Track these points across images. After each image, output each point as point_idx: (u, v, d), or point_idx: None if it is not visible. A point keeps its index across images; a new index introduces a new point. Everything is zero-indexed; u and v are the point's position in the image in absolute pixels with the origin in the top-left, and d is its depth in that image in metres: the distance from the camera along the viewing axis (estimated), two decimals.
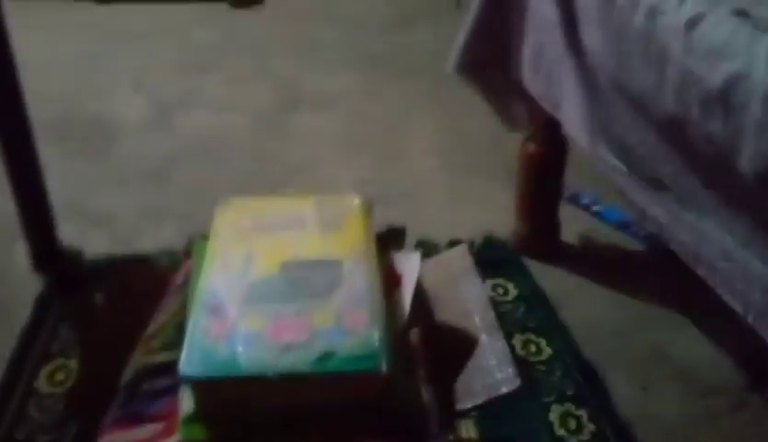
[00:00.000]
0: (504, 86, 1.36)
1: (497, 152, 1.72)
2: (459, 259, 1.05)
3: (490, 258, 1.40)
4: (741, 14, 0.74)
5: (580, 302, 1.32)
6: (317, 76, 2.27)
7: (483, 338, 0.85)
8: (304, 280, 0.88)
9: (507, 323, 1.20)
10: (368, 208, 1.00)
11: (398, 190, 1.69)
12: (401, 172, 1.77)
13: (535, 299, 1.30)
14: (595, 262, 1.43)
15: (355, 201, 1.00)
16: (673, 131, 0.81)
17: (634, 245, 1.49)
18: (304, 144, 1.88)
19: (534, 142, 1.38)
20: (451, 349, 0.86)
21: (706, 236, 0.81)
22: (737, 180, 0.70)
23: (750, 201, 0.71)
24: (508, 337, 1.16)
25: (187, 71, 2.28)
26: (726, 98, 0.69)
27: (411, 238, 1.42)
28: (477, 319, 0.88)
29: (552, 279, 1.37)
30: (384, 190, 1.67)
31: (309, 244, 0.93)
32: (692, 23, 0.75)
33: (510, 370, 0.80)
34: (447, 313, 0.92)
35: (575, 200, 1.62)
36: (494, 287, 1.32)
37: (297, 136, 1.92)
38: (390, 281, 0.87)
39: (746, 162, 0.66)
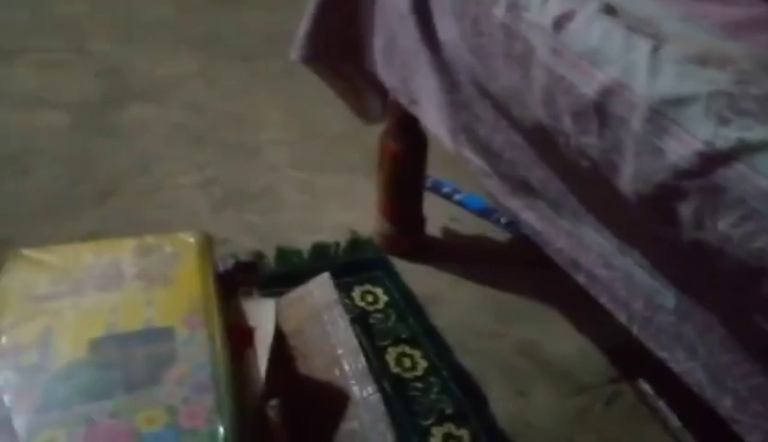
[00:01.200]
0: (355, 76, 1.24)
1: (355, 142, 1.61)
2: (323, 291, 0.93)
3: (356, 261, 1.32)
4: (610, 12, 0.67)
5: (450, 302, 1.27)
6: (145, 61, 2.01)
7: (355, 391, 0.75)
8: (122, 363, 0.68)
9: (379, 335, 1.15)
10: (206, 246, 0.83)
11: (249, 190, 1.52)
12: (250, 169, 1.60)
13: (405, 305, 1.23)
14: (461, 257, 1.38)
15: (189, 240, 0.82)
16: (542, 138, 0.74)
17: (498, 233, 1.46)
18: (134, 141, 1.64)
19: (392, 137, 1.29)
20: (320, 413, 0.75)
21: (584, 242, 0.76)
22: (615, 194, 0.64)
23: (629, 213, 0.66)
24: (382, 351, 1.11)
25: None
26: (602, 110, 0.62)
27: (269, 246, 1.30)
28: (347, 367, 0.77)
29: (420, 278, 1.30)
30: (233, 190, 1.50)
31: (129, 309, 0.73)
32: (560, 22, 0.67)
33: (383, 426, 0.71)
34: (312, 364, 0.80)
35: (436, 189, 1.56)
36: (363, 295, 1.24)
37: (126, 133, 1.67)
38: (241, 340, 0.71)
39: (626, 182, 0.60)
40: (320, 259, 1.32)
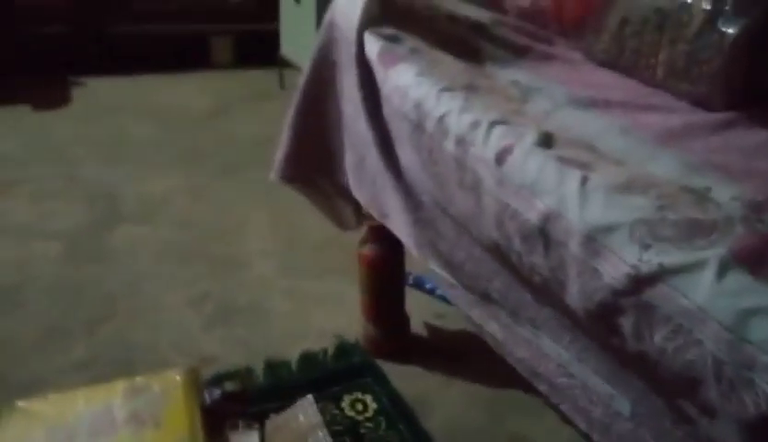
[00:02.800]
0: (330, 190, 1.31)
1: (339, 246, 1.67)
2: (307, 415, 0.96)
3: (344, 367, 1.35)
4: (546, 143, 0.75)
5: (440, 403, 1.28)
6: (135, 181, 2.10)
7: None
8: None
9: None
10: (193, 382, 0.87)
11: (237, 303, 1.57)
12: (238, 281, 1.65)
13: (395, 411, 1.25)
14: (448, 354, 1.41)
15: (176, 378, 0.86)
16: (498, 254, 0.79)
17: None
18: (125, 263, 1.69)
19: (369, 244, 1.35)
20: None
21: (543, 351, 0.80)
22: (566, 307, 0.69)
23: (581, 324, 0.70)
24: None
25: None
26: (544, 234, 0.68)
27: (258, 359, 1.33)
28: None
29: (408, 381, 1.33)
30: (222, 305, 1.55)
31: None
32: (501, 157, 0.74)
33: None
34: None
35: (418, 285, 1.61)
36: (353, 404, 1.26)
37: (117, 256, 1.72)
38: None
39: (573, 299, 0.65)
40: (309, 368, 1.34)
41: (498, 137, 0.76)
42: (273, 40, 3.16)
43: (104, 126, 2.56)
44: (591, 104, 0.96)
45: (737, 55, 0.92)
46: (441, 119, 0.85)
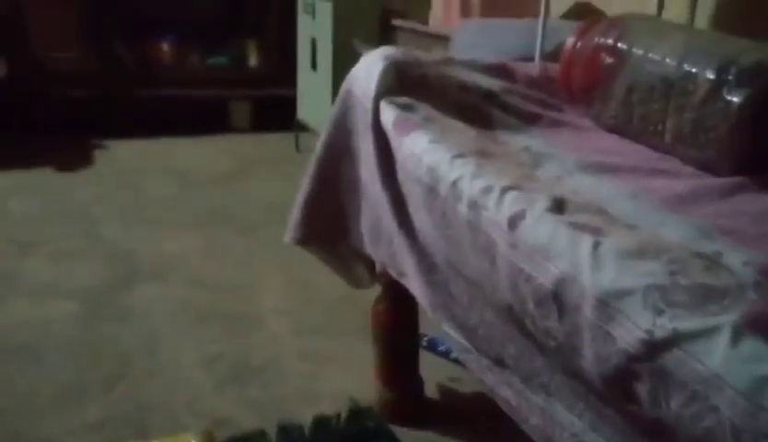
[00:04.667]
0: (344, 252, 1.33)
1: (353, 305, 1.67)
2: None
3: (358, 432, 1.33)
4: (557, 208, 0.77)
5: None
6: (152, 241, 2.14)
7: None
8: None
9: None
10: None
11: (251, 362, 1.57)
12: (252, 340, 1.65)
13: None
14: (463, 418, 1.39)
15: (192, 441, 0.87)
16: (512, 318, 0.80)
17: None
18: (141, 322, 1.71)
19: (384, 303, 1.36)
20: None
21: (556, 418, 0.79)
22: (581, 372, 0.69)
23: (597, 389, 0.70)
24: None
25: (2, 251, 2.04)
26: (558, 299, 0.69)
27: (271, 421, 1.32)
28: None
29: None
30: (236, 365, 1.55)
31: None
32: (514, 221, 0.76)
33: None
34: None
35: (432, 348, 1.60)
36: None
37: (134, 314, 1.74)
38: None
39: (588, 363, 0.66)
40: (322, 432, 1.33)
41: (510, 203, 0.78)
42: (290, 104, 3.26)
43: (124, 187, 2.62)
44: (601, 169, 0.98)
45: (742, 123, 0.95)
46: (454, 183, 0.88)
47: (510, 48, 1.82)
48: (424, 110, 1.09)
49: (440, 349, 1.60)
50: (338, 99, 1.23)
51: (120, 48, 3.32)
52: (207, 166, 2.92)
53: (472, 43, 1.85)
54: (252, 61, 3.62)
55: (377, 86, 1.11)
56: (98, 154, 3.03)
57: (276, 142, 3.39)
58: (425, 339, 1.59)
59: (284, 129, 3.30)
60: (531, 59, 1.73)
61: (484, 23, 1.97)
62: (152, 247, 2.10)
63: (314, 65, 2.97)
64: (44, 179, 2.68)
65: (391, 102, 1.09)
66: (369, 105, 1.11)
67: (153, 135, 3.27)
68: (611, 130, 1.17)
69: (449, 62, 1.25)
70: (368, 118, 1.11)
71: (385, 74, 1.11)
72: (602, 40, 1.14)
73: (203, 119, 3.48)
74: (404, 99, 1.10)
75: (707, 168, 1.00)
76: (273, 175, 2.81)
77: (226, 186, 2.68)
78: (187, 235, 2.18)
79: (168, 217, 2.32)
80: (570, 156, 1.03)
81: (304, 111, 3.17)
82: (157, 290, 1.86)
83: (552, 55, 1.63)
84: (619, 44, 1.11)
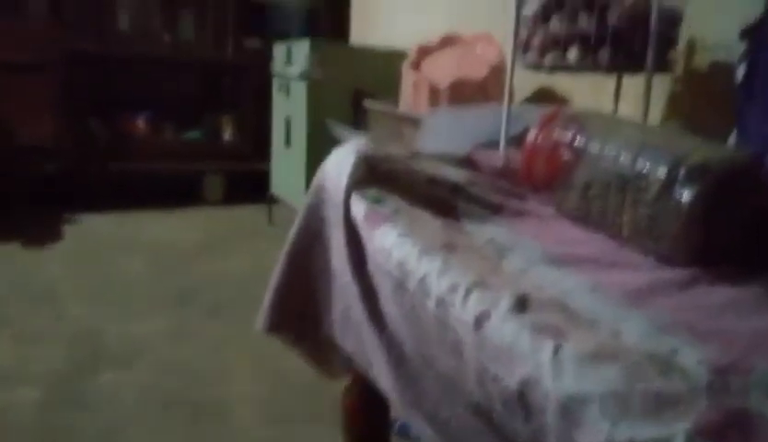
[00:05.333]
0: (315, 340, 1.33)
1: (323, 392, 1.65)
2: None
3: None
4: (521, 306, 0.79)
5: None
6: (119, 322, 2.10)
7: None
8: None
9: None
10: None
11: None
12: (219, 429, 1.62)
13: None
14: None
15: None
16: (482, 414, 0.81)
17: None
18: (105, 410, 1.66)
19: (355, 389, 1.35)
20: None
21: None
22: None
23: None
24: None
25: None
26: (524, 400, 0.71)
27: None
28: None
29: None
30: None
31: None
32: (479, 321, 0.78)
33: None
34: None
35: (404, 433, 1.59)
36: None
37: (97, 402, 1.70)
38: None
39: None
40: None
41: (476, 302, 0.81)
42: (263, 178, 3.30)
43: (93, 264, 2.59)
44: (563, 262, 1.01)
45: (694, 219, 0.99)
46: (422, 280, 0.90)
47: (478, 133, 1.90)
48: (394, 202, 1.12)
49: (412, 434, 1.58)
50: (311, 191, 1.26)
51: (94, 123, 3.36)
52: (179, 240, 2.92)
53: (442, 130, 1.92)
54: (227, 135, 3.69)
55: (348, 180, 1.14)
56: (68, 228, 3.01)
57: (249, 215, 3.41)
58: (397, 424, 1.58)
59: (257, 201, 3.33)
60: (498, 143, 1.81)
61: (453, 111, 2.05)
62: (119, 329, 2.06)
63: (288, 142, 3.03)
64: (11, 255, 2.65)
65: (362, 195, 1.12)
66: (341, 198, 1.14)
67: (126, 209, 3.27)
68: (573, 219, 1.22)
69: (417, 156, 1.30)
70: (340, 210, 1.13)
71: (356, 168, 1.15)
72: (561, 136, 1.20)
73: (177, 192, 3.50)
74: (374, 192, 1.13)
75: (664, 260, 1.04)
76: (246, 250, 2.81)
77: (197, 262, 2.67)
78: (155, 316, 2.15)
79: (137, 297, 2.30)
80: (533, 247, 1.06)
81: (277, 186, 3.21)
82: (122, 376, 1.82)
83: (517, 139, 1.70)
84: (576, 141, 1.17)
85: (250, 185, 3.43)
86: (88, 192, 3.29)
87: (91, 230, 3.01)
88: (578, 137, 1.18)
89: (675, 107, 1.88)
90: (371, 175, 1.16)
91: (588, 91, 2.10)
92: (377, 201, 1.12)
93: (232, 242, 2.96)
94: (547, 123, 1.28)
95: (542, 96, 2.32)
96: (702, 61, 1.85)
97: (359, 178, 1.14)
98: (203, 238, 2.98)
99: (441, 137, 1.91)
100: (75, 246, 2.79)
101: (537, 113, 1.93)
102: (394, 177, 1.18)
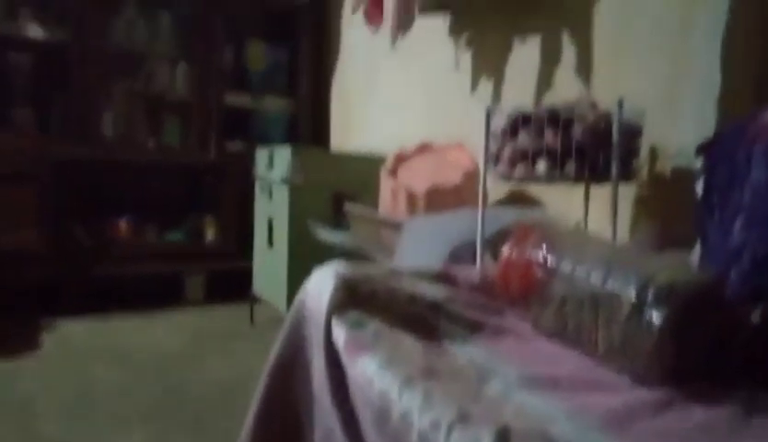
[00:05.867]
0: None
1: None
2: None
3: None
4: (503, 440, 0.81)
5: None
6: (95, 438, 2.04)
7: None
8: None
9: None
10: None
11: None
12: None
13: None
14: None
15: None
16: None
17: None
18: None
19: None
20: None
21: None
22: None
23: None
24: None
25: None
26: None
27: None
28: None
29: None
30: None
31: None
32: None
33: None
34: None
35: None
36: None
37: None
38: None
39: None
40: None
41: (458, 440, 0.82)
42: (245, 277, 3.32)
43: (71, 374, 2.54)
44: (542, 385, 1.04)
45: (664, 340, 1.03)
46: (404, 415, 0.92)
47: (455, 236, 1.96)
48: (375, 325, 1.15)
49: None
50: (291, 312, 1.28)
51: (77, 229, 3.38)
52: (160, 345, 2.88)
53: (421, 237, 1.98)
54: (209, 236, 3.72)
55: (328, 303, 1.17)
56: (46, 336, 2.97)
57: (231, 314, 3.40)
58: None
59: (239, 300, 3.33)
60: (474, 245, 1.86)
61: (430, 218, 2.12)
62: None
63: (270, 242, 3.07)
64: None
65: (343, 319, 1.15)
66: (321, 320, 1.17)
67: (106, 313, 3.24)
68: (550, 335, 1.25)
69: (396, 273, 1.34)
70: (321, 334, 1.16)
71: (336, 291, 1.18)
72: (533, 254, 1.26)
73: (158, 293, 3.49)
74: (355, 315, 1.16)
75: (639, 379, 1.07)
76: (228, 353, 2.78)
77: (177, 369, 2.63)
78: (133, 431, 2.10)
79: (114, 410, 2.25)
80: (512, 369, 1.08)
81: (259, 285, 3.22)
82: None
83: (493, 242, 1.76)
84: (548, 261, 1.23)
85: (232, 284, 3.44)
86: (68, 298, 3.27)
87: (70, 337, 2.97)
88: (550, 257, 1.24)
89: (642, 212, 1.96)
90: (351, 298, 1.19)
91: (559, 196, 2.19)
92: (357, 325, 1.14)
93: (214, 344, 2.93)
94: (520, 240, 1.34)
95: (515, 198, 2.40)
96: (664, 167, 1.95)
97: (339, 302, 1.17)
98: (185, 341, 2.95)
99: (420, 244, 1.97)
100: (52, 355, 2.74)
101: (510, 215, 2.01)
102: (375, 298, 1.21)
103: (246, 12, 3.90)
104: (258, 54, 3.98)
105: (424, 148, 2.58)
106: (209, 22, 3.71)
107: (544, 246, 1.25)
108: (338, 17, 3.99)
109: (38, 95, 3.44)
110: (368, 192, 2.78)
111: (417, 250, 1.98)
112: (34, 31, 3.35)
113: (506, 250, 1.35)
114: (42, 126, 3.39)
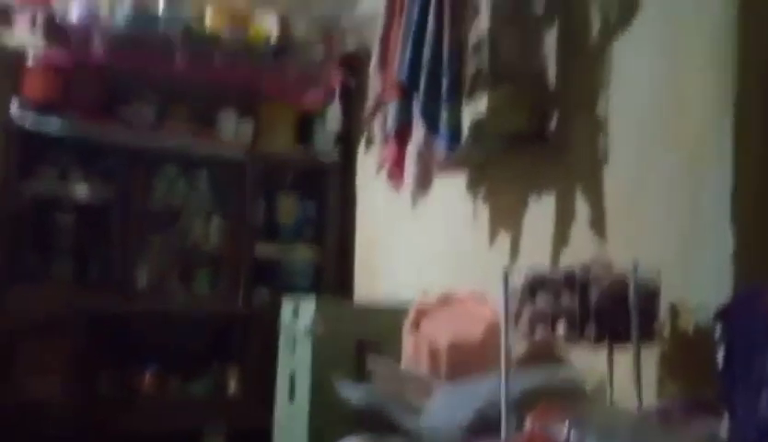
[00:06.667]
0: None
1: None
2: None
3: None
4: None
5: None
6: None
7: None
8: None
9: None
10: None
11: None
12: None
13: None
14: None
15: None
16: None
17: None
18: None
19: None
20: None
21: None
22: None
23: None
24: None
25: None
26: None
27: None
28: None
29: None
30: None
31: None
32: None
33: None
34: None
35: None
36: None
37: None
38: None
39: None
40: None
41: None
42: (265, 435, 3.24)
43: None
44: None
45: None
46: None
47: (478, 403, 1.96)
48: None
49: None
50: None
51: (103, 381, 3.40)
52: None
53: (447, 406, 1.98)
54: (231, 388, 3.69)
55: None
56: None
57: None
58: None
59: None
60: (498, 411, 1.82)
61: (453, 387, 2.12)
62: None
63: (292, 397, 3.04)
64: None
65: None
66: None
67: None
68: None
69: None
70: None
71: None
72: (557, 431, 1.24)
73: None
74: None
75: None
76: None
77: None
78: None
79: None
80: None
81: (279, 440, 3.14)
82: None
83: (518, 405, 1.73)
84: (571, 438, 1.21)
85: (252, 440, 3.36)
86: None
87: None
88: (573, 434, 1.22)
89: (667, 372, 1.93)
90: None
91: (582, 353, 2.17)
92: None
93: None
94: (543, 414, 1.33)
95: (539, 353, 2.38)
96: (685, 325, 1.94)
97: None
98: None
99: (446, 413, 1.95)
100: None
101: (536, 378, 1.99)
102: None
103: (279, 170, 4.13)
104: (288, 207, 4.17)
105: (445, 300, 2.61)
106: (244, 178, 3.91)
107: (566, 423, 1.24)
108: (365, 175, 4.18)
109: (77, 248, 3.59)
110: (392, 342, 2.78)
111: (445, 414, 1.96)
112: (81, 191, 3.54)
113: (528, 424, 1.34)
114: (79, 278, 3.50)
